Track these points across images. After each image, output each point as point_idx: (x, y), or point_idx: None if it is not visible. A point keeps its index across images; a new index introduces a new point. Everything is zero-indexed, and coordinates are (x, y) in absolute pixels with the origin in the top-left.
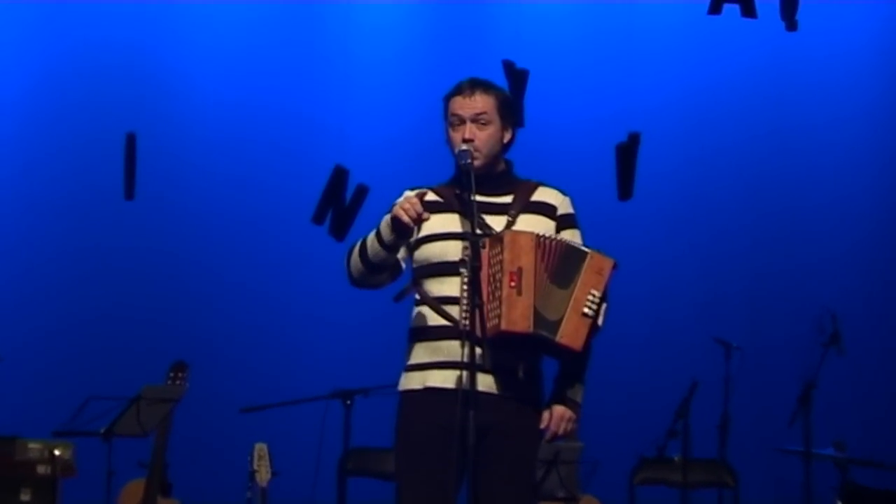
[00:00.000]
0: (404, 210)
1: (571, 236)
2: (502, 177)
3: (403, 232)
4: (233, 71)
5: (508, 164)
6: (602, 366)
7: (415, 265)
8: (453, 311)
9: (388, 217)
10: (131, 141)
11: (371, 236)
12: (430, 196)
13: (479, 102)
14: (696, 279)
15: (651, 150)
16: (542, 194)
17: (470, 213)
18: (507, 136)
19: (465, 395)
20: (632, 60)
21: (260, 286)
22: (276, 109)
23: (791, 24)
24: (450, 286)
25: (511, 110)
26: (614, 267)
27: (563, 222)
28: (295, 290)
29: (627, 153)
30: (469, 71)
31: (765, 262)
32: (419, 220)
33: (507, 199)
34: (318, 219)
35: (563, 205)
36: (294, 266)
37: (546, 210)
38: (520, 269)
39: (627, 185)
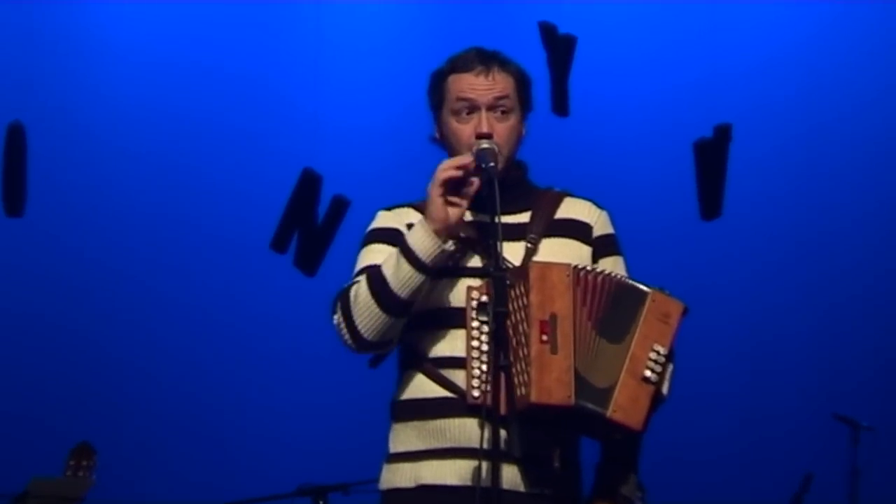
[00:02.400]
0: (449, 168)
1: (613, 266)
2: (516, 186)
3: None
4: (166, 38)
5: (522, 167)
6: (676, 449)
7: None
8: (457, 377)
9: (422, 221)
10: (15, 134)
11: (391, 264)
12: (414, 216)
13: (500, 83)
14: (809, 332)
15: (745, 150)
16: (570, 208)
17: (492, 238)
18: (523, 131)
19: (485, 494)
20: (712, 27)
21: (198, 340)
22: (223, 90)
23: None
24: (452, 343)
25: (530, 93)
26: (684, 313)
27: (602, 247)
28: (247, 346)
29: (713, 154)
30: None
31: None
32: (472, 172)
33: (524, 216)
34: (279, 244)
35: (599, 222)
36: (245, 311)
37: (577, 230)
38: (553, 317)
39: (713, 199)
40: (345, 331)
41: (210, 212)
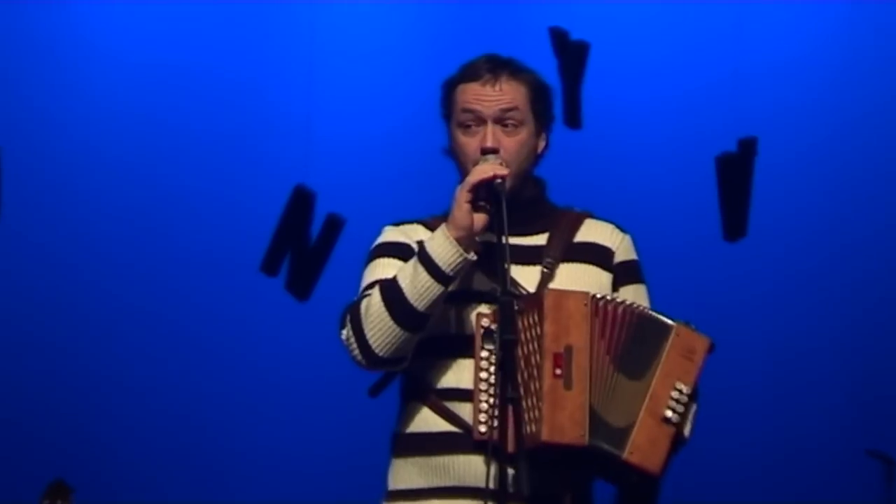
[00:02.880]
0: (483, 172)
1: (634, 295)
2: (533, 205)
3: (491, 198)
4: (146, 40)
5: (540, 185)
6: (699, 485)
7: None
8: (464, 410)
9: (442, 228)
10: None
11: (407, 274)
12: (423, 233)
13: (507, 93)
14: (841, 361)
15: (772, 165)
16: (591, 231)
17: (500, 260)
18: (541, 145)
19: None
20: (736, 33)
21: (184, 371)
22: (208, 101)
23: None
24: (458, 373)
25: (548, 104)
26: (710, 349)
27: (623, 274)
28: (236, 376)
29: (737, 169)
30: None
31: None
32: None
33: (541, 239)
34: (270, 266)
35: (621, 247)
36: (234, 338)
37: (597, 255)
38: (568, 349)
39: (737, 218)
40: (355, 346)
41: (195, 231)
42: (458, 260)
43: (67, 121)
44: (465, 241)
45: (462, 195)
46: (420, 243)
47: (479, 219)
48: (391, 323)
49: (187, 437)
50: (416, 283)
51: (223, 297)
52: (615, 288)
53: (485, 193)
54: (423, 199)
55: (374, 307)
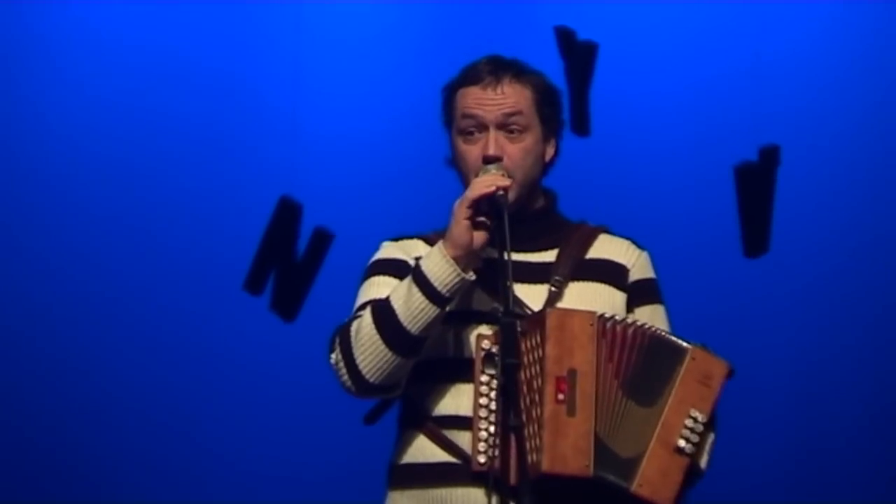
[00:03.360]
0: (483, 186)
1: (651, 316)
2: (541, 218)
3: (493, 213)
4: (127, 39)
5: (550, 197)
6: None
7: None
8: (463, 439)
9: (439, 246)
10: None
11: (401, 294)
12: (423, 250)
13: (510, 97)
14: (872, 389)
15: (795, 176)
16: (605, 247)
17: (502, 278)
18: (550, 152)
19: None
20: (757, 31)
21: (159, 395)
22: (188, 108)
23: None
24: (457, 399)
25: (556, 108)
26: (729, 375)
27: (638, 293)
28: (219, 403)
29: (758, 180)
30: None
31: None
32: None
33: (549, 255)
34: (253, 285)
35: (637, 264)
36: (216, 362)
37: (610, 273)
38: (572, 373)
39: (758, 233)
40: (344, 371)
41: (174, 248)
42: (455, 280)
43: (35, 125)
44: (463, 259)
45: (460, 211)
46: (417, 260)
47: (479, 236)
48: (383, 347)
49: (168, 467)
50: (409, 305)
51: (204, 318)
52: (630, 308)
53: (486, 208)
54: (419, 212)
55: (364, 330)
